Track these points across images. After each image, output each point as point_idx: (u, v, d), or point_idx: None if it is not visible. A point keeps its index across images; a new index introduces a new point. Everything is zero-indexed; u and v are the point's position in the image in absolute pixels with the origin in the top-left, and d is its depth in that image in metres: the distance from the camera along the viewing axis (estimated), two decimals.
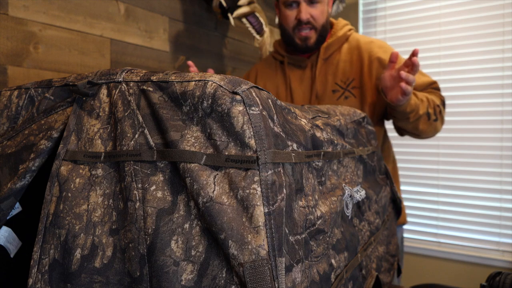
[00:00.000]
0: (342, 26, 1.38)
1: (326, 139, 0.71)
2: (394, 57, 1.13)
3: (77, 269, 0.54)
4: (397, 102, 1.11)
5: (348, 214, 0.74)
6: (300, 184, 0.59)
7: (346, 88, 1.31)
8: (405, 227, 2.14)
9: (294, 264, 0.52)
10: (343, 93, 1.31)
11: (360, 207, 0.83)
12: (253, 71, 1.50)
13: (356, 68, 1.31)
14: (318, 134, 0.69)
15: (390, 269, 1.00)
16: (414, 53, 1.06)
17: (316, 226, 0.61)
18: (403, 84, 1.05)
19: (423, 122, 1.22)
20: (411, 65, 1.07)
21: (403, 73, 1.05)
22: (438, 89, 1.31)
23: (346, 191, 0.73)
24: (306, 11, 1.27)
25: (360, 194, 0.77)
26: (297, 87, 1.38)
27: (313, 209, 0.61)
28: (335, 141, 0.75)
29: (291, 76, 1.39)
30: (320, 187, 0.67)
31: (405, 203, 2.13)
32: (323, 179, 0.69)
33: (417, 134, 1.28)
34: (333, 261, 0.64)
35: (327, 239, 0.64)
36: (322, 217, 0.63)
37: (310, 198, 0.61)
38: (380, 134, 1.35)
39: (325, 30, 1.33)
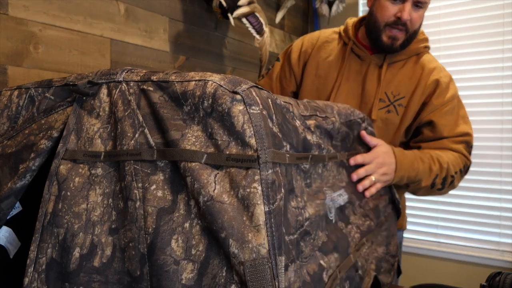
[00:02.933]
0: (420, 39, 1.28)
1: (315, 143, 0.71)
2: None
3: (76, 268, 0.54)
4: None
5: (331, 218, 0.74)
6: (292, 185, 0.59)
7: (392, 102, 1.25)
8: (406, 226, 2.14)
9: (289, 264, 0.52)
10: (388, 105, 1.25)
11: (343, 211, 0.82)
12: (315, 37, 1.41)
13: (411, 86, 1.24)
14: (309, 137, 0.69)
15: (390, 270, 1.00)
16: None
17: (304, 227, 0.61)
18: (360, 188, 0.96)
19: (424, 190, 1.17)
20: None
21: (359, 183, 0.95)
22: (469, 144, 1.24)
23: (327, 195, 0.73)
24: (409, 12, 1.16)
25: (343, 198, 0.77)
26: (348, 77, 1.30)
27: (302, 211, 0.61)
28: (322, 145, 0.75)
29: (347, 65, 1.30)
30: (307, 189, 0.67)
31: (406, 203, 2.12)
32: (308, 181, 0.69)
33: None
34: (321, 262, 0.64)
35: (312, 241, 0.64)
36: (310, 218, 0.63)
37: (300, 199, 0.62)
38: None
39: (414, 36, 1.24)
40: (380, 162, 1.02)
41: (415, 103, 1.23)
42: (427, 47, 1.31)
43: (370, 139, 1.04)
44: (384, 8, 1.19)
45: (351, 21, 1.37)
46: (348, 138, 0.94)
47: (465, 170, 1.23)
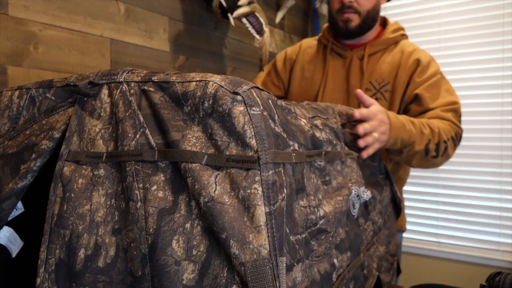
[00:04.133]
0: (395, 29, 1.35)
1: (325, 139, 0.72)
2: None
3: (81, 269, 0.54)
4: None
5: (354, 214, 0.74)
6: (302, 183, 0.59)
7: (379, 89, 1.29)
8: (406, 226, 2.14)
9: (295, 264, 0.52)
10: (375, 93, 1.29)
11: (367, 207, 0.84)
12: (297, 46, 1.51)
13: (393, 71, 1.28)
14: (318, 134, 0.69)
15: (390, 269, 1.00)
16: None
17: (318, 225, 0.61)
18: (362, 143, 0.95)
19: (419, 158, 1.15)
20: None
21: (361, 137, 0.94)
22: (457, 112, 1.23)
23: (353, 191, 0.74)
24: None
25: (366, 194, 0.77)
26: (333, 75, 1.36)
27: (315, 209, 0.61)
28: (334, 142, 0.76)
29: (330, 64, 1.38)
30: (325, 187, 0.67)
31: (405, 203, 2.13)
32: (327, 178, 0.69)
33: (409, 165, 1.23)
34: (335, 260, 0.64)
35: (330, 238, 0.64)
36: (326, 216, 0.63)
37: (312, 197, 0.62)
38: None
39: (371, 18, 1.30)
40: (380, 119, 1.00)
41: (400, 85, 1.26)
42: (404, 35, 1.37)
43: (367, 99, 1.02)
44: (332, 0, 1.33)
45: (326, 25, 1.45)
46: (353, 136, 0.94)
47: (457, 138, 1.22)
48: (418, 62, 1.26)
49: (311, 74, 1.40)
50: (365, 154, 0.94)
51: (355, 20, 1.28)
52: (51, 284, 0.55)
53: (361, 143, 0.93)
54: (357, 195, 0.74)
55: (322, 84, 1.36)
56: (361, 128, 0.93)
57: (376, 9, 1.31)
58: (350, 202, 0.72)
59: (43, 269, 0.56)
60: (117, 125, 0.57)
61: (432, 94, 1.23)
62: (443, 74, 1.29)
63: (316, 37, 1.49)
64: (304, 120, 0.68)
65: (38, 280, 0.56)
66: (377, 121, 0.98)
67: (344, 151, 0.79)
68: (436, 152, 1.15)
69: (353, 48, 1.36)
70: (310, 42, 1.49)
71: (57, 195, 0.58)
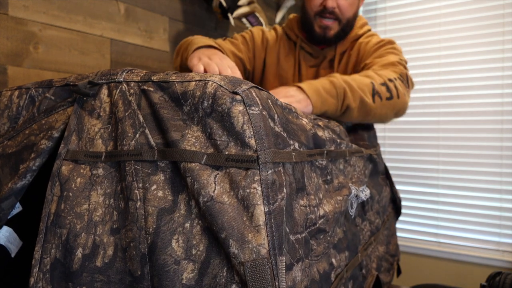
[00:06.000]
0: (361, 24, 1.29)
1: (328, 138, 0.72)
2: None
3: (79, 268, 0.54)
4: None
5: (351, 214, 0.74)
6: (302, 183, 0.59)
7: None
8: (406, 226, 2.14)
9: (295, 263, 0.52)
10: None
11: (364, 207, 0.84)
12: (273, 32, 1.37)
13: (357, 67, 1.25)
14: (320, 133, 0.69)
15: (390, 269, 1.00)
16: None
17: (317, 225, 0.61)
18: None
19: (380, 106, 1.02)
20: None
21: None
22: (397, 64, 1.14)
23: (353, 191, 0.74)
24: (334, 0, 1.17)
25: (365, 193, 0.77)
26: (305, 73, 1.30)
27: (315, 208, 0.61)
28: (338, 141, 0.75)
29: (301, 63, 1.30)
30: (326, 186, 0.67)
31: (405, 203, 2.13)
32: (328, 177, 0.69)
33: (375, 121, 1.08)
34: (333, 260, 0.64)
35: (328, 238, 0.64)
36: (325, 216, 0.63)
37: (313, 197, 0.62)
38: None
39: (349, 25, 1.24)
40: (276, 91, 0.93)
41: None
42: (370, 30, 1.31)
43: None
44: None
45: (294, 18, 1.34)
46: (356, 140, 0.94)
47: (404, 78, 1.13)
48: (375, 44, 1.22)
49: (286, 70, 1.32)
50: None
51: (334, 28, 1.21)
52: (45, 284, 0.55)
53: None
54: (356, 195, 0.74)
55: (296, 81, 1.29)
56: None
57: (355, 16, 1.25)
58: (349, 202, 0.72)
59: (37, 268, 0.56)
60: (116, 125, 0.57)
61: (377, 56, 1.18)
62: (394, 47, 1.22)
63: (279, 29, 1.36)
64: (306, 120, 0.68)
65: (32, 280, 0.55)
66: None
67: (350, 150, 0.79)
68: (390, 93, 1.05)
69: (323, 47, 1.28)
70: (275, 34, 1.36)
71: (54, 194, 0.58)
